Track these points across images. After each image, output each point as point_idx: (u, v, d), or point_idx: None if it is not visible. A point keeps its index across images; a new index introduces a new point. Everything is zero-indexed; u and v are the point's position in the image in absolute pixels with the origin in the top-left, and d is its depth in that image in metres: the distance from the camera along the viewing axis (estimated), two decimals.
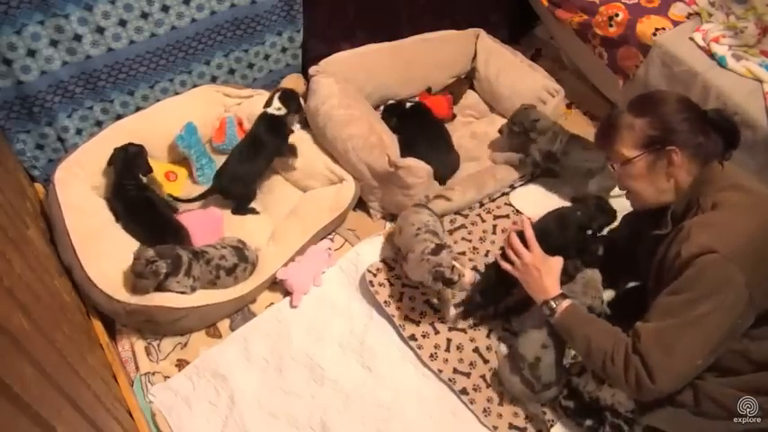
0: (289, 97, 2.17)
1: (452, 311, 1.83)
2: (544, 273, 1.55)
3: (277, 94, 2.16)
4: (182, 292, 1.76)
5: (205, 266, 1.80)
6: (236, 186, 2.09)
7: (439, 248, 1.70)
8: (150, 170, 2.03)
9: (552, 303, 1.51)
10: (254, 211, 2.14)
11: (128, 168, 1.96)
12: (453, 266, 1.66)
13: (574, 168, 2.19)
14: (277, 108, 2.14)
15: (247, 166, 2.10)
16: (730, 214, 1.29)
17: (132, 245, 1.89)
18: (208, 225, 2.02)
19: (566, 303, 1.50)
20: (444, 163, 2.26)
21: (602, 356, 1.35)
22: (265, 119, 2.14)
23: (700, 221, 1.31)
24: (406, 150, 2.14)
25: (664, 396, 1.34)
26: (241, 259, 1.88)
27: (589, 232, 1.72)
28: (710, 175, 1.37)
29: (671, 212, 1.42)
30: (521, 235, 1.62)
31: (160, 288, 1.73)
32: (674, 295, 1.28)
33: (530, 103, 2.33)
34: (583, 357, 1.48)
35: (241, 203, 2.12)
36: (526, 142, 2.24)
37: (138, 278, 1.70)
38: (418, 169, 2.04)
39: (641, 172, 1.42)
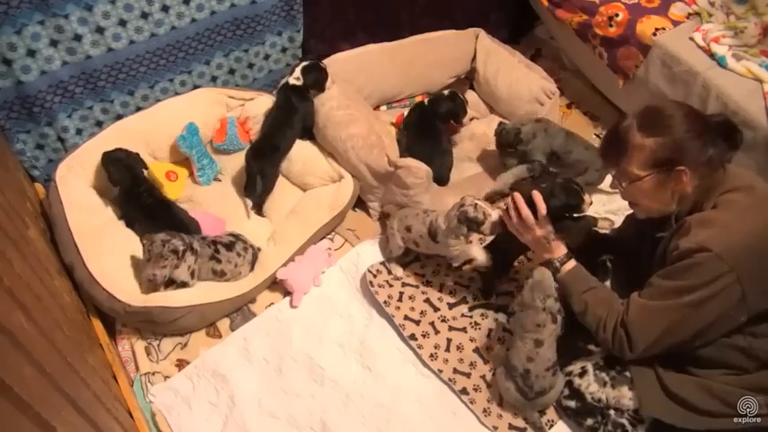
0: (308, 70, 2.22)
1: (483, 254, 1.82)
2: (551, 239, 1.60)
3: (301, 65, 2.23)
4: (184, 282, 1.78)
5: (201, 241, 1.84)
6: (269, 163, 2.13)
7: (462, 199, 1.77)
8: (145, 165, 2.04)
9: (556, 263, 1.59)
10: (261, 213, 2.16)
11: (131, 174, 1.95)
12: (476, 204, 1.72)
13: (571, 166, 2.19)
14: (296, 78, 2.21)
15: (284, 135, 2.16)
16: (729, 214, 1.33)
17: (133, 243, 1.90)
18: (210, 226, 2.02)
19: (569, 265, 1.57)
20: (441, 164, 2.26)
21: (596, 322, 1.48)
22: (287, 89, 2.22)
23: (700, 218, 1.36)
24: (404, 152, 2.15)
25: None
26: (239, 239, 1.92)
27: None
28: (714, 182, 1.40)
29: (675, 216, 1.45)
30: (530, 204, 1.59)
31: (170, 276, 1.76)
32: (666, 279, 1.36)
33: (528, 104, 2.31)
34: (577, 316, 1.55)
35: (266, 188, 2.14)
36: (525, 153, 2.22)
37: (158, 261, 1.71)
38: (417, 169, 2.04)
39: (649, 190, 1.44)
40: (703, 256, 1.27)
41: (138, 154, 2.02)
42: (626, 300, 1.45)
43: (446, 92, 2.41)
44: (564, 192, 1.62)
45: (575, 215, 1.71)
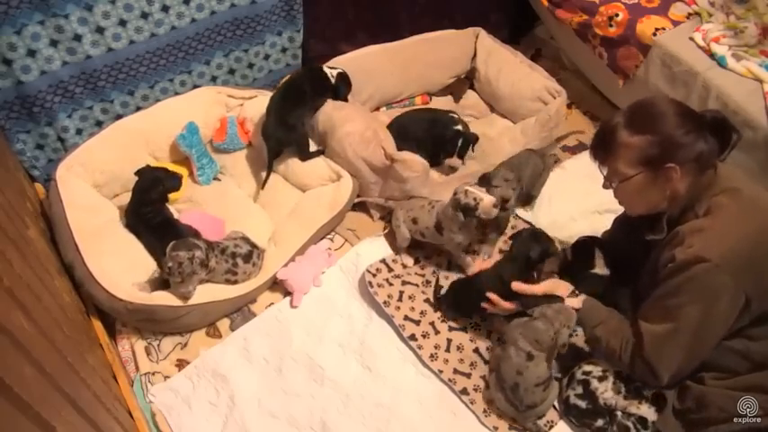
0: (343, 78, 2.26)
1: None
2: (554, 288, 1.62)
3: (338, 71, 2.26)
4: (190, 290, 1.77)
5: (220, 255, 1.82)
6: (287, 133, 2.13)
7: (456, 189, 1.83)
8: (178, 186, 2.06)
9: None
10: (319, 152, 2.21)
11: (144, 196, 1.95)
12: (466, 190, 1.77)
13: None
14: (331, 75, 2.24)
15: (293, 112, 2.15)
16: (722, 220, 1.31)
17: (134, 244, 1.90)
18: (210, 227, 2.02)
19: (575, 302, 1.57)
20: None
21: (612, 355, 1.47)
22: (314, 71, 2.22)
23: (693, 227, 1.33)
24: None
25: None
26: (254, 246, 1.92)
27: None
28: (706, 182, 1.37)
29: (666, 218, 1.43)
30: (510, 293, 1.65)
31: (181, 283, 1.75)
32: (670, 298, 1.33)
33: (531, 102, 2.30)
34: (591, 350, 1.58)
35: (301, 149, 2.18)
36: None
37: (190, 276, 1.71)
38: (414, 162, 2.04)
39: (639, 188, 1.41)
40: (702, 267, 1.25)
41: (166, 181, 2.02)
42: (633, 327, 1.43)
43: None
44: (536, 241, 1.72)
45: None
